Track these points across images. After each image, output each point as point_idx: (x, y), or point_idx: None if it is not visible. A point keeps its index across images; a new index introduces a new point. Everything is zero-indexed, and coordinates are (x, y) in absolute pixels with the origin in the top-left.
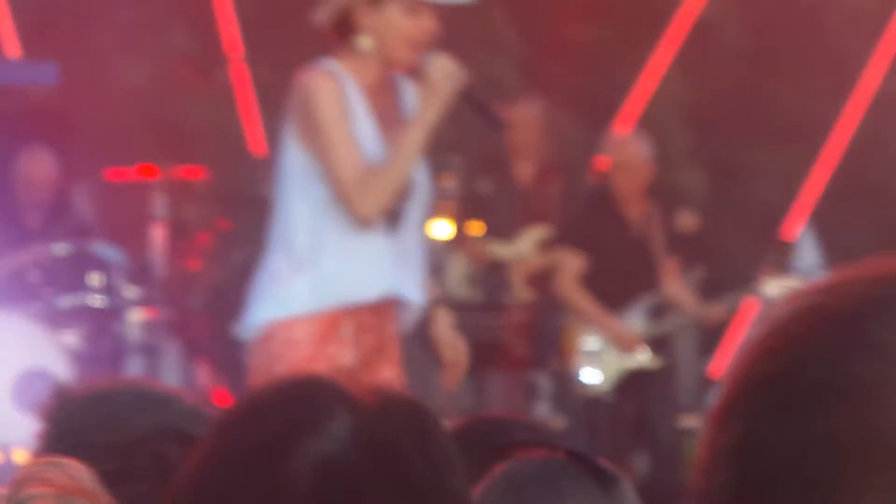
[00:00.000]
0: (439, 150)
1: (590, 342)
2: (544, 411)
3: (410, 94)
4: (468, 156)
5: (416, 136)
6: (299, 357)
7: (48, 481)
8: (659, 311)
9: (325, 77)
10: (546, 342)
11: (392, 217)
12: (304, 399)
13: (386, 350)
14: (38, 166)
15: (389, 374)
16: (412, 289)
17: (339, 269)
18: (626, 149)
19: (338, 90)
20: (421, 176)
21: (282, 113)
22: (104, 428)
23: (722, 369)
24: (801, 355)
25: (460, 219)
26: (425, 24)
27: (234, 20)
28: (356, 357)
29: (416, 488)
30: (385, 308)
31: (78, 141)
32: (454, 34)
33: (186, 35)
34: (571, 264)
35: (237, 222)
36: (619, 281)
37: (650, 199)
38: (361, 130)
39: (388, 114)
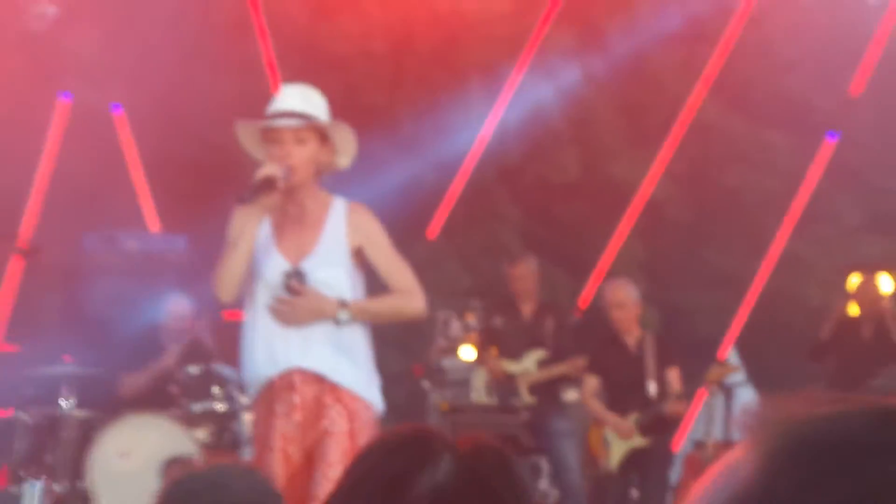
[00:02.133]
0: (464, 296)
1: (607, 435)
2: (545, 486)
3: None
4: (485, 300)
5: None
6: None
7: None
8: (647, 404)
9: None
10: (544, 434)
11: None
12: (419, 442)
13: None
14: (178, 307)
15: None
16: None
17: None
18: (619, 292)
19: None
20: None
21: None
22: (207, 492)
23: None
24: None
25: (481, 345)
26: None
27: None
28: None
29: None
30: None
31: (204, 288)
32: (468, 207)
33: None
34: (589, 382)
35: None
36: (623, 389)
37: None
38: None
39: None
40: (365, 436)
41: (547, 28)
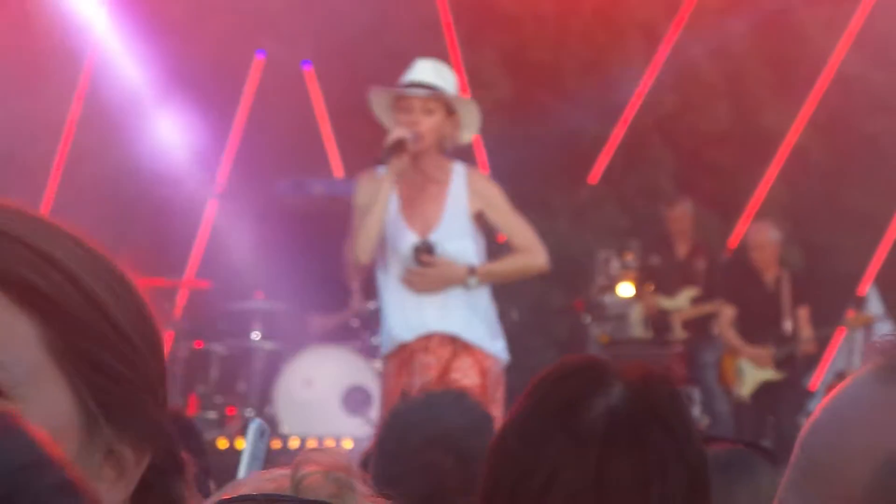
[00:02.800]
0: (622, 236)
1: (741, 364)
2: (696, 413)
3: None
4: (643, 239)
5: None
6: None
7: (318, 462)
8: (783, 340)
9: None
10: (696, 366)
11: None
12: (593, 370)
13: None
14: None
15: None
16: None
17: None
18: (760, 234)
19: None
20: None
21: None
22: (424, 423)
23: (818, 382)
24: None
25: (638, 282)
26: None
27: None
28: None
29: (671, 431)
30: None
31: None
32: (626, 154)
33: None
34: (726, 312)
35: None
36: (757, 321)
37: (779, 267)
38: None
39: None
40: (495, 390)
41: None
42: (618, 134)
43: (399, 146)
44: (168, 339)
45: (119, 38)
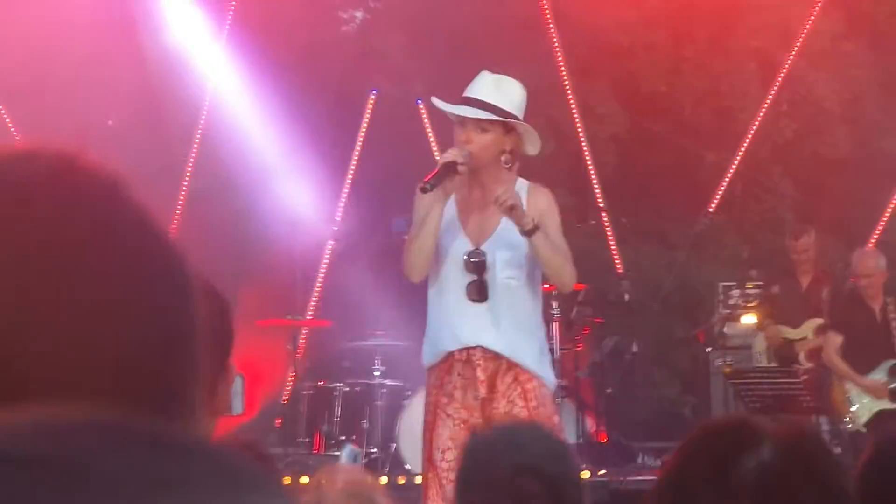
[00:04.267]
0: (743, 266)
1: (851, 393)
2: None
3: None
4: (763, 269)
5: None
6: None
7: (338, 478)
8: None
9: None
10: (821, 396)
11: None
12: (742, 427)
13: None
14: None
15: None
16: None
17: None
18: (867, 261)
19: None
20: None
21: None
22: (507, 451)
23: None
24: None
25: (761, 312)
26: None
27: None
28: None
29: (824, 489)
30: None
31: None
32: (746, 183)
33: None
34: (833, 340)
35: (606, 318)
36: (867, 350)
37: (885, 295)
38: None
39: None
40: (542, 413)
41: (816, 14)
42: (736, 162)
43: (449, 169)
44: (292, 378)
45: (236, 78)
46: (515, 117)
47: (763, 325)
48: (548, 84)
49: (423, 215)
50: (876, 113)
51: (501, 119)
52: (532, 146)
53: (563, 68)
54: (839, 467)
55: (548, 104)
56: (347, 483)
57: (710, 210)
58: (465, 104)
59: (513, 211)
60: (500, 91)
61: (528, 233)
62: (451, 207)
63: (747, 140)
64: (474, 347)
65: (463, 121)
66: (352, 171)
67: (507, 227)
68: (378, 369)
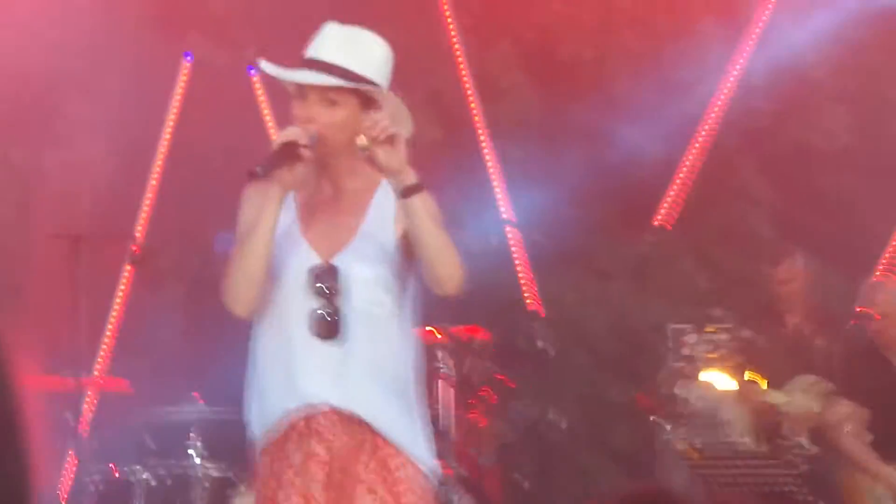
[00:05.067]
0: (703, 302)
1: (874, 491)
2: None
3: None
4: (732, 307)
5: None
6: None
7: None
8: None
9: None
10: (828, 495)
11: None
12: (658, 500)
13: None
14: None
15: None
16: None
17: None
18: (880, 297)
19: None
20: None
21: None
22: None
23: None
24: None
25: (732, 367)
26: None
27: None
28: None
29: None
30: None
31: None
32: (706, 185)
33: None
34: (843, 411)
35: (516, 377)
36: (890, 420)
37: None
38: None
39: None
40: None
41: None
42: (691, 157)
43: (288, 153)
44: (72, 463)
45: None
46: (375, 84)
47: (740, 389)
48: (429, 45)
49: (251, 221)
50: (887, 89)
51: (355, 86)
52: (402, 125)
53: (450, 24)
54: None
55: (429, 72)
56: None
57: (656, 224)
58: (307, 67)
59: (392, 154)
60: (355, 51)
61: (410, 189)
62: (289, 210)
63: (706, 126)
64: (319, 407)
65: (303, 91)
66: (158, 167)
67: (367, 235)
68: (195, 448)
